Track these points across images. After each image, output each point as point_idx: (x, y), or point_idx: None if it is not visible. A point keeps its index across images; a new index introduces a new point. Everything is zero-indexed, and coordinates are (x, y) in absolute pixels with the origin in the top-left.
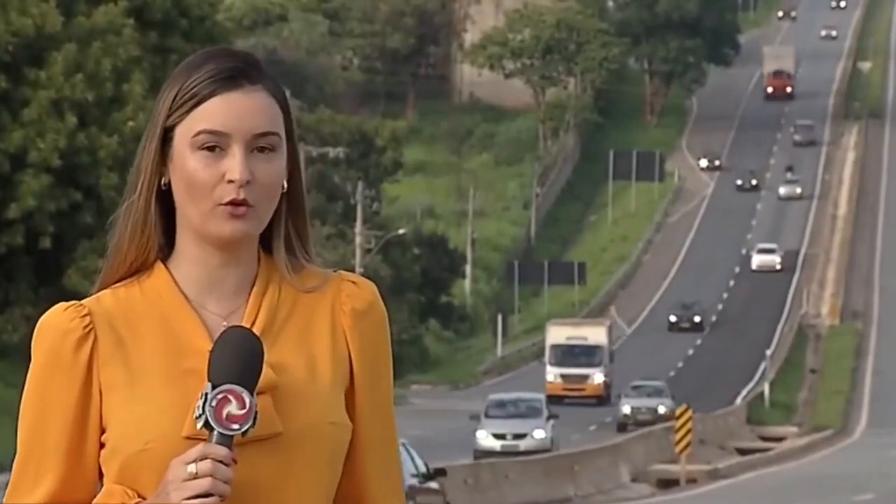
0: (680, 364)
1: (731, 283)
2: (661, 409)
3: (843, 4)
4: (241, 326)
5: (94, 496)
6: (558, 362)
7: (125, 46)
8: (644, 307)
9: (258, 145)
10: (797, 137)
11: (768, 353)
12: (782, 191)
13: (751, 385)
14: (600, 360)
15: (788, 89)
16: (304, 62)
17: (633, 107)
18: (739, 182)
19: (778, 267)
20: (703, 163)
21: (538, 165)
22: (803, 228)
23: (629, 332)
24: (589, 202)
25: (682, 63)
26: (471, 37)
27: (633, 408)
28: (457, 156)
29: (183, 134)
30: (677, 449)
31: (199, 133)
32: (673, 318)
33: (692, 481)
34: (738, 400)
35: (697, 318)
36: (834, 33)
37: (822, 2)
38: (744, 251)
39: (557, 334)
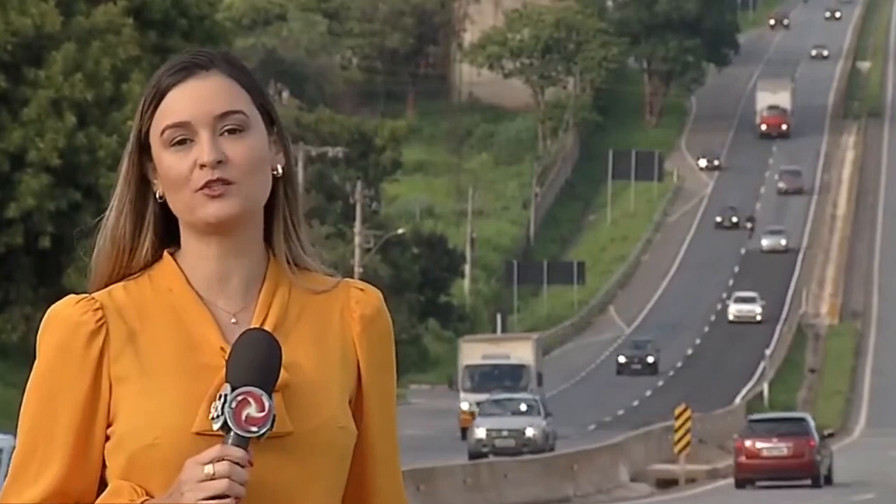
0: (679, 364)
1: (731, 282)
2: (530, 432)
3: (837, 15)
4: (261, 329)
5: (96, 488)
6: (474, 387)
7: (124, 46)
8: (643, 307)
9: (226, 127)
10: (782, 185)
11: (768, 352)
12: (765, 242)
13: (750, 384)
14: (526, 384)
15: (784, 126)
16: (304, 62)
17: (632, 106)
18: (719, 219)
19: (758, 318)
20: (703, 163)
21: (537, 165)
22: (802, 227)
23: (628, 331)
24: (588, 202)
25: (682, 63)
26: (470, 36)
27: (489, 431)
28: (456, 155)
29: (154, 137)
30: (676, 449)
31: (164, 130)
32: (622, 359)
33: (691, 481)
34: (738, 399)
35: (651, 359)
36: (825, 52)
37: (817, 10)
38: (743, 250)
39: (472, 352)
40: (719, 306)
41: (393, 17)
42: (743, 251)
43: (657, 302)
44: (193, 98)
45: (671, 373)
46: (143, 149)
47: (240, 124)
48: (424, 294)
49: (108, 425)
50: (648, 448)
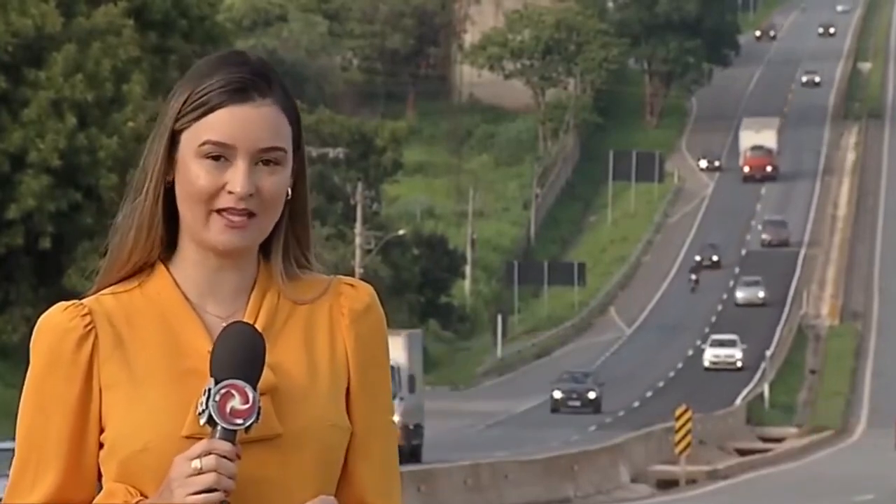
0: (680, 365)
1: (731, 282)
2: None
3: (832, 31)
4: (244, 322)
5: (94, 496)
6: None
7: (125, 47)
8: (644, 308)
9: (263, 158)
10: (765, 237)
11: (768, 353)
12: (740, 295)
13: (751, 385)
14: (395, 391)
15: (769, 168)
16: (304, 63)
17: (632, 107)
18: (698, 258)
19: (738, 364)
20: (703, 163)
21: (538, 166)
22: (803, 228)
23: (629, 332)
24: (589, 203)
25: (682, 63)
26: (470, 37)
27: None
28: (456, 156)
29: (189, 140)
30: (677, 449)
31: (205, 143)
32: (557, 395)
33: (692, 482)
34: (738, 400)
35: (592, 395)
36: (817, 79)
37: (811, 25)
38: (744, 251)
39: None
40: (720, 307)
41: (393, 18)
42: (744, 252)
43: (658, 303)
44: (245, 124)
45: (671, 373)
46: (172, 141)
47: (277, 160)
48: (425, 295)
49: (101, 431)
50: (649, 449)
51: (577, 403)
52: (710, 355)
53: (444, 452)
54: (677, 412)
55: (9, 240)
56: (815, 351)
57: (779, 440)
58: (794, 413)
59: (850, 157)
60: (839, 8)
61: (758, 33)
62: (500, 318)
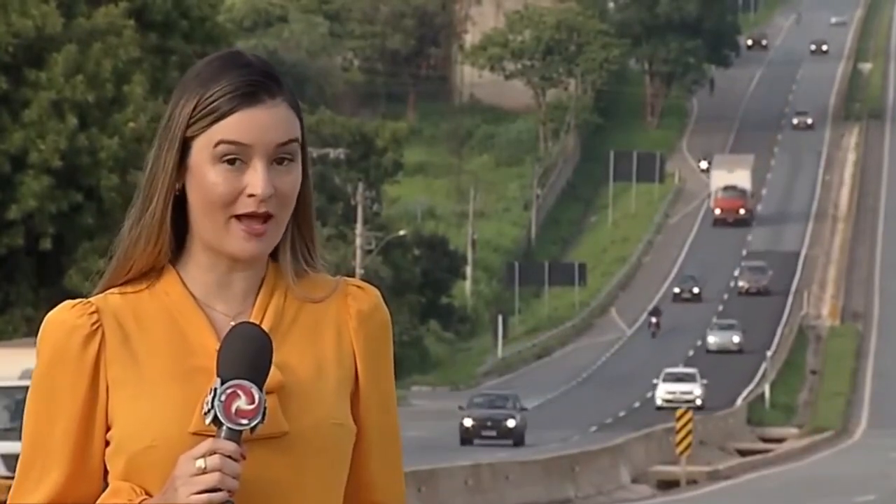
0: (680, 365)
1: (732, 283)
2: None
3: (824, 48)
4: (251, 322)
5: (100, 494)
6: None
7: (126, 47)
8: (644, 308)
9: (278, 156)
10: (743, 284)
11: (769, 354)
12: (712, 340)
13: (751, 386)
14: None
15: (742, 211)
16: (305, 63)
17: (633, 108)
18: (677, 290)
19: (698, 402)
20: (704, 164)
21: (538, 166)
22: (804, 229)
23: (630, 332)
24: (589, 203)
25: (683, 64)
26: (471, 38)
27: None
28: (457, 157)
29: (202, 146)
30: (678, 450)
31: (219, 143)
32: (468, 423)
33: (693, 482)
34: (739, 401)
35: (511, 423)
36: (809, 121)
37: (803, 39)
38: (744, 251)
39: None
40: (720, 307)
41: (394, 19)
42: (744, 252)
43: (658, 303)
44: (259, 125)
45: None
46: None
47: (292, 154)
48: (425, 295)
49: (108, 429)
50: (649, 449)
51: (493, 433)
52: (663, 392)
53: (444, 453)
54: (678, 412)
55: (9, 240)
56: (816, 351)
57: (779, 440)
58: (794, 413)
59: (851, 157)
60: (833, 20)
61: (749, 42)
62: (500, 318)
